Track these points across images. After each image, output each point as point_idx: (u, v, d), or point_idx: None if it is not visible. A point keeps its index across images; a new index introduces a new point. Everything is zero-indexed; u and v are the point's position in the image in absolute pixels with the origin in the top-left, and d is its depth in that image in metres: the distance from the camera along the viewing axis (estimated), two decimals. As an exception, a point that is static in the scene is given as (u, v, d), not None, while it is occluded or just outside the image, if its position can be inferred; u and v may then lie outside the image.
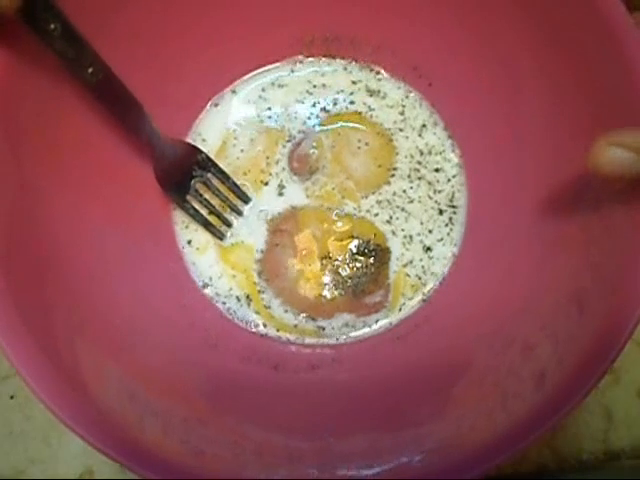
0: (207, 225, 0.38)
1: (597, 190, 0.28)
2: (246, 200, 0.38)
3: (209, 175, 0.38)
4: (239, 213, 0.38)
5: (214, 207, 0.38)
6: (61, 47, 0.27)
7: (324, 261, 0.37)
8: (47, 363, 0.25)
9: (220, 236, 0.38)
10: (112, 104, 0.31)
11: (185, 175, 0.37)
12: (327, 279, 0.37)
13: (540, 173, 0.33)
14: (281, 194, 0.39)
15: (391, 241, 0.38)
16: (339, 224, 0.38)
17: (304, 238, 0.38)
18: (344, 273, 0.37)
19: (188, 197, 0.37)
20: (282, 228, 0.38)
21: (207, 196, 0.38)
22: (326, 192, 0.38)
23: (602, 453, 0.38)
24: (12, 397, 0.39)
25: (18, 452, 0.38)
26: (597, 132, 0.25)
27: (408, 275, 0.37)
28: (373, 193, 0.38)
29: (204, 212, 0.38)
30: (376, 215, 0.38)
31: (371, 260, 0.37)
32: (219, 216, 0.38)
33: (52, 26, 0.26)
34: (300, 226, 0.38)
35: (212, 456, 0.27)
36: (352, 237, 0.38)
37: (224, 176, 0.38)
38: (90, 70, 0.29)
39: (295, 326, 0.37)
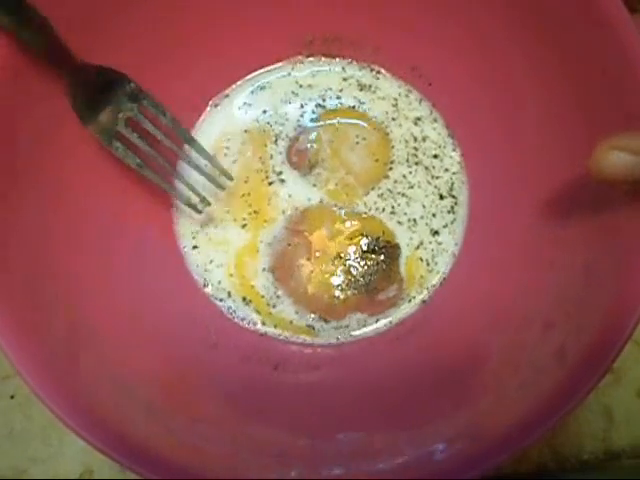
0: (141, 168, 0.32)
1: (599, 190, 0.28)
2: (189, 141, 0.33)
3: (141, 108, 0.32)
4: (179, 156, 0.34)
5: (149, 147, 0.32)
6: None
7: (335, 261, 0.37)
8: (47, 363, 0.25)
9: (159, 182, 0.33)
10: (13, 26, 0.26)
11: (111, 109, 0.31)
12: (339, 279, 0.37)
13: (542, 172, 0.33)
14: (289, 195, 0.38)
15: (399, 233, 0.38)
16: (347, 224, 0.38)
17: (317, 238, 0.38)
18: (355, 272, 0.37)
19: (117, 135, 0.32)
20: (294, 228, 0.38)
21: (139, 135, 0.32)
22: (329, 190, 0.38)
23: (602, 453, 0.38)
24: (12, 397, 0.39)
25: (18, 452, 0.38)
26: (598, 132, 0.25)
27: (421, 259, 0.37)
28: (373, 188, 0.39)
29: (136, 155, 0.32)
30: (381, 210, 0.38)
31: (382, 257, 0.37)
32: (155, 158, 0.32)
33: None
34: (312, 226, 0.38)
35: (213, 456, 0.27)
36: (362, 235, 0.38)
37: (158, 110, 0.32)
38: None
39: (291, 322, 0.37)
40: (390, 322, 0.37)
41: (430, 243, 0.38)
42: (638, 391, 0.39)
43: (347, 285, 0.37)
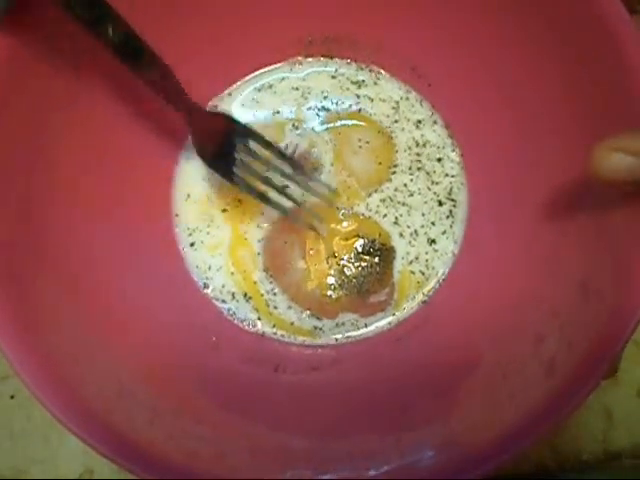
0: (263, 197, 0.36)
1: (599, 191, 0.28)
2: (294, 166, 0.36)
3: (250, 144, 0.36)
4: (289, 177, 0.36)
5: (263, 176, 0.36)
6: (77, 9, 0.27)
7: (329, 260, 0.37)
8: (45, 363, 0.25)
9: (280, 208, 0.36)
10: (139, 68, 0.30)
11: (226, 146, 0.35)
12: (332, 279, 0.37)
13: (541, 173, 0.33)
14: (284, 193, 0.38)
15: (396, 240, 0.38)
16: (344, 224, 0.38)
17: (312, 237, 0.38)
18: (349, 272, 0.37)
19: (235, 169, 0.36)
20: (290, 226, 0.38)
21: (254, 166, 0.36)
22: (330, 192, 0.38)
23: (602, 453, 0.38)
24: (12, 397, 0.39)
25: (18, 452, 0.38)
26: (598, 134, 0.25)
27: (413, 272, 0.37)
28: (376, 191, 0.38)
29: (256, 183, 0.36)
30: (382, 215, 0.38)
31: (376, 259, 0.37)
32: (270, 183, 0.36)
33: None
34: (308, 225, 0.38)
35: (212, 456, 0.27)
36: (357, 237, 0.38)
37: (265, 143, 0.36)
38: (110, 29, 0.28)
39: (292, 323, 0.37)
40: (389, 323, 0.37)
41: (427, 253, 0.38)
42: (638, 391, 0.39)
43: (340, 285, 0.37)
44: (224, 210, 0.39)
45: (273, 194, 0.36)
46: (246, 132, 0.36)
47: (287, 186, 0.37)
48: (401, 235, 0.38)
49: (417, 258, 0.38)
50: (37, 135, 0.30)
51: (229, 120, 0.36)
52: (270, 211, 0.38)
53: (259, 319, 0.37)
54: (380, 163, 0.39)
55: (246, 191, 0.36)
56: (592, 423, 0.38)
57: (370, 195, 0.38)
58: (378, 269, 0.37)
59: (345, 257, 0.37)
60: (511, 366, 0.29)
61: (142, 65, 0.31)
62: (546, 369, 0.27)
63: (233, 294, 0.37)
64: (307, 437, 0.29)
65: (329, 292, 0.37)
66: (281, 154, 0.36)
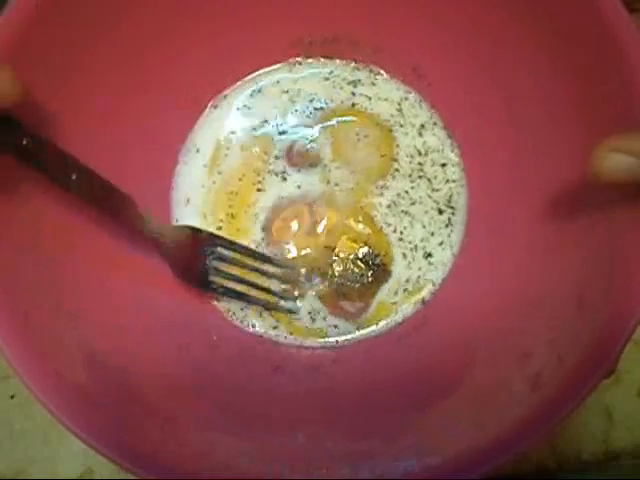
0: (243, 297, 0.36)
1: (598, 193, 0.28)
2: (266, 259, 0.37)
3: (219, 249, 0.36)
4: (263, 273, 0.37)
5: (238, 276, 0.36)
6: (40, 160, 0.27)
7: (331, 245, 0.37)
8: (45, 362, 0.25)
9: (264, 305, 0.36)
10: (103, 206, 0.31)
11: (197, 258, 0.36)
12: (321, 256, 0.37)
13: (541, 176, 0.33)
14: (284, 178, 0.38)
15: (396, 264, 0.37)
16: (360, 225, 0.38)
17: (330, 216, 0.38)
18: (338, 268, 0.37)
19: (211, 278, 0.36)
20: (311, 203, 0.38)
21: (227, 270, 0.36)
22: (336, 187, 0.38)
23: (602, 453, 0.38)
24: (12, 397, 0.39)
25: (18, 452, 0.38)
26: (598, 135, 0.25)
27: (405, 290, 0.37)
28: (382, 187, 0.38)
29: (235, 286, 0.36)
30: (393, 229, 0.38)
31: (369, 273, 0.37)
32: (247, 282, 0.36)
33: (24, 142, 0.27)
34: (328, 207, 0.38)
35: (211, 456, 0.27)
36: (365, 243, 0.37)
37: (230, 244, 0.36)
38: (74, 176, 0.29)
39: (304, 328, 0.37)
40: (387, 324, 0.37)
41: (420, 269, 0.37)
42: (638, 391, 0.39)
43: (322, 271, 0.37)
44: (219, 228, 0.38)
45: (253, 291, 0.36)
46: (211, 239, 0.36)
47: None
48: (404, 255, 0.37)
49: (408, 280, 0.37)
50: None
51: (194, 231, 0.36)
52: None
53: (275, 328, 0.37)
54: (383, 155, 0.39)
55: (226, 295, 0.36)
56: (592, 423, 0.38)
57: (382, 194, 0.38)
58: (365, 282, 0.37)
59: (343, 255, 0.37)
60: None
61: (110, 208, 0.31)
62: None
63: (260, 312, 0.37)
64: (307, 437, 0.30)
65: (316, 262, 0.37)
66: (249, 251, 0.37)
